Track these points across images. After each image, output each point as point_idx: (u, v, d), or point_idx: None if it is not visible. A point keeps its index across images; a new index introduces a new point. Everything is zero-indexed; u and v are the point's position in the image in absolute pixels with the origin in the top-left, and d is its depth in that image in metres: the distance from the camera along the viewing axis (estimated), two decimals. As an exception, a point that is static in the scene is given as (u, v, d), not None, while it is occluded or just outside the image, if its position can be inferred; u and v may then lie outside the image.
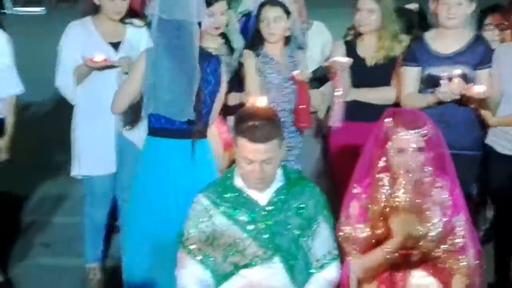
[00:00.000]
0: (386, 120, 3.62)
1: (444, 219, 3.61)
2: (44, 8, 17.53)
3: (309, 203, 3.71)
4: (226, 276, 3.66)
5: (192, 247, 3.70)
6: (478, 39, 4.78)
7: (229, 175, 3.78)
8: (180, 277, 3.72)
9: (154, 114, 4.41)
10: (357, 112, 4.89)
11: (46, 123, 7.97)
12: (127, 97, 4.45)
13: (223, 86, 4.57)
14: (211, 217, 3.69)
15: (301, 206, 3.70)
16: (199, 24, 4.39)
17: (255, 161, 3.56)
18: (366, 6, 4.90)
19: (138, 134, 4.85)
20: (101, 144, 5.00)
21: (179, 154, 4.44)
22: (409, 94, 4.78)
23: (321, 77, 5.29)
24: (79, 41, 4.98)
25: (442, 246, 3.61)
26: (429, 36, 4.81)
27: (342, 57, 4.88)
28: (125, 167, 4.98)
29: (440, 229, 3.60)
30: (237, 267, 3.65)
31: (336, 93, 4.88)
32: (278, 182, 3.72)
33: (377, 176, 3.65)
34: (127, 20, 5.08)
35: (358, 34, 5.03)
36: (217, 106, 4.56)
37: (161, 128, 4.43)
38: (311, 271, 3.71)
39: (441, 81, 4.51)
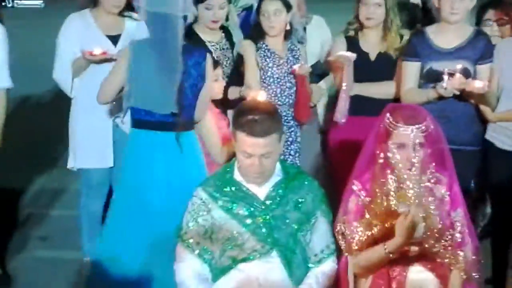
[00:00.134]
0: (386, 115, 3.62)
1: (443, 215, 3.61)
2: (42, 1, 17.55)
3: (307, 197, 3.71)
4: (224, 270, 3.66)
5: (190, 241, 3.71)
6: (479, 34, 4.78)
7: (228, 169, 3.78)
8: (178, 270, 3.73)
9: (133, 106, 4.43)
10: (358, 106, 4.88)
11: (45, 116, 7.97)
12: (112, 88, 4.46)
13: (209, 81, 4.52)
14: (209, 211, 3.69)
15: (299, 200, 3.70)
16: (185, 18, 4.38)
17: (254, 155, 3.57)
18: (373, 0, 4.90)
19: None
20: (98, 137, 4.98)
21: (161, 146, 4.43)
22: (409, 90, 4.77)
23: (319, 72, 5.28)
24: (78, 34, 4.96)
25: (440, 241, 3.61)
26: (431, 31, 4.80)
27: (347, 52, 4.86)
28: (121, 159, 4.97)
29: (439, 226, 3.60)
30: (235, 261, 3.64)
31: (342, 88, 4.86)
32: (277, 176, 3.73)
33: (381, 175, 3.63)
34: (126, 13, 5.07)
35: (360, 29, 5.02)
36: (203, 99, 4.51)
37: (141, 120, 4.43)
38: (309, 265, 3.71)
39: (443, 76, 4.50)
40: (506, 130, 4.76)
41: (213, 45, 5.11)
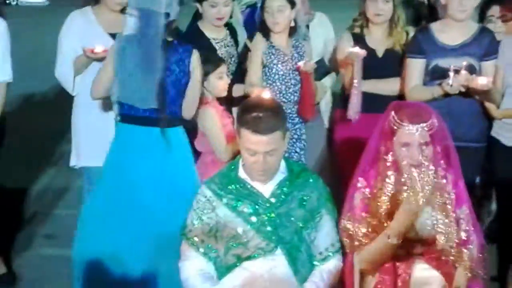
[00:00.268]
0: (391, 113, 3.60)
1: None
2: (46, -1, 17.57)
3: (312, 195, 3.71)
4: (229, 268, 3.66)
5: (195, 239, 3.71)
6: (484, 31, 4.78)
7: (233, 166, 3.77)
8: (183, 268, 3.73)
9: (118, 101, 4.48)
10: (365, 103, 4.86)
11: (49, 114, 7.96)
12: (102, 83, 4.52)
13: (195, 77, 4.52)
14: (214, 209, 3.68)
15: (304, 198, 3.70)
16: (168, 15, 4.39)
17: (258, 153, 3.56)
18: None
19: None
20: (100, 135, 4.97)
21: (145, 141, 4.46)
22: (414, 87, 4.76)
23: (323, 70, 5.27)
24: (79, 32, 4.96)
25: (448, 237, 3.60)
26: (436, 28, 4.79)
27: (357, 48, 4.85)
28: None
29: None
30: (240, 259, 3.64)
31: (354, 85, 4.85)
32: (281, 174, 3.72)
33: (385, 172, 3.62)
34: (127, 11, 5.05)
35: (365, 25, 5.01)
36: (191, 96, 4.52)
37: (126, 115, 4.48)
38: (314, 263, 3.71)
39: (449, 73, 4.49)
40: (511, 127, 4.74)
41: (217, 42, 5.10)
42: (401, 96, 4.83)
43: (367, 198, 3.65)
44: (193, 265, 3.70)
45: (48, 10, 15.23)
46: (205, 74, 4.68)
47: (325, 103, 5.43)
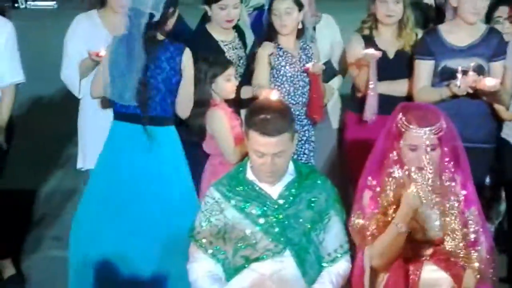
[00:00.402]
0: (399, 115, 3.59)
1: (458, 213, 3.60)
2: (55, 2, 17.57)
3: (320, 196, 3.71)
4: (237, 270, 3.66)
5: (203, 240, 3.71)
6: (492, 31, 4.79)
7: (241, 168, 3.78)
8: (191, 270, 3.73)
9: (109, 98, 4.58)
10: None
11: (57, 116, 7.96)
12: (100, 82, 4.59)
13: (187, 76, 4.55)
14: (222, 211, 3.69)
15: (312, 199, 3.70)
16: (152, 15, 4.42)
17: (266, 154, 3.56)
18: None
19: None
20: (106, 138, 4.99)
21: (135, 139, 4.51)
22: (422, 88, 4.76)
23: (330, 72, 5.27)
24: (85, 35, 4.98)
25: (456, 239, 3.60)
26: (444, 29, 4.79)
27: (372, 50, 4.85)
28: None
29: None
30: (248, 261, 3.64)
31: (370, 86, 4.84)
32: (290, 175, 3.72)
33: (389, 170, 3.63)
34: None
35: (375, 27, 5.01)
36: (184, 94, 4.56)
37: (118, 112, 4.56)
38: (322, 264, 3.70)
39: (457, 74, 4.49)
40: (521, 128, 4.75)
41: (226, 45, 5.10)
42: (410, 97, 4.82)
43: (376, 195, 3.65)
44: (202, 267, 3.70)
45: (56, 13, 15.24)
46: (213, 77, 4.69)
47: (332, 105, 5.42)
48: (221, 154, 4.69)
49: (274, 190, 3.68)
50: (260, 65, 4.90)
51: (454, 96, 4.57)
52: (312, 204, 3.69)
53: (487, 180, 5.04)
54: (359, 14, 5.14)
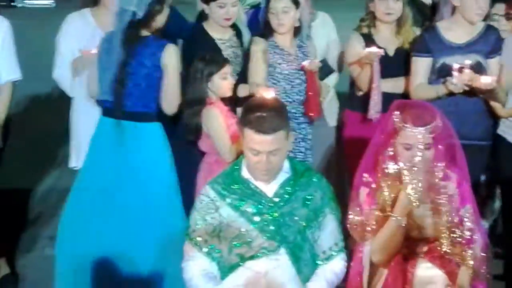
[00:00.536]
0: (395, 113, 3.59)
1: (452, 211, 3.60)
2: (53, 1, 17.58)
3: (316, 194, 3.70)
4: (232, 268, 3.65)
5: (198, 239, 3.70)
6: (490, 28, 4.81)
7: (236, 166, 3.77)
8: (186, 269, 3.72)
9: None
10: None
11: (54, 115, 7.95)
12: (95, 81, 4.62)
13: (170, 72, 4.58)
14: (217, 209, 3.68)
15: (307, 197, 3.69)
16: (135, 14, 4.46)
17: (261, 152, 3.55)
18: None
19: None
20: None
21: (116, 134, 4.56)
22: (418, 85, 4.76)
23: (326, 70, 5.26)
24: (77, 33, 4.99)
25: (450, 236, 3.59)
26: (442, 26, 4.81)
27: (375, 48, 4.84)
28: None
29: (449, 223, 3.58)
30: (243, 259, 3.63)
31: (373, 85, 4.83)
32: (285, 173, 3.71)
33: (384, 166, 3.62)
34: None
35: (373, 25, 5.00)
36: (169, 90, 4.59)
37: (103, 107, 4.64)
38: (317, 262, 3.70)
39: (453, 72, 4.49)
40: (518, 125, 4.74)
41: (223, 43, 5.09)
42: (403, 95, 4.82)
43: (372, 192, 3.65)
44: (197, 265, 3.69)
45: (54, 12, 15.22)
46: (210, 75, 4.69)
47: (328, 103, 5.41)
48: (217, 152, 4.68)
49: (269, 188, 3.67)
50: (254, 61, 4.90)
51: (451, 94, 4.58)
52: (308, 202, 3.68)
53: (482, 177, 5.04)
54: (356, 12, 5.12)
